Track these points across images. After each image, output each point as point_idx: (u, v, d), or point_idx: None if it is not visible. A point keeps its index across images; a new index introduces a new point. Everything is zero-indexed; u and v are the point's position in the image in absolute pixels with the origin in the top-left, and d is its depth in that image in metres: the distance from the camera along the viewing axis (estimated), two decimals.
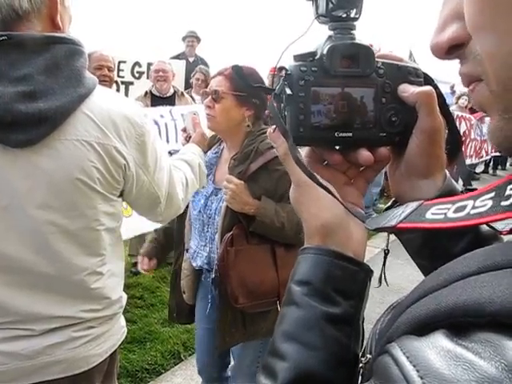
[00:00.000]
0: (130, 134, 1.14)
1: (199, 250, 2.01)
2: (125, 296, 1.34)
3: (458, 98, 8.29)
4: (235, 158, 1.89)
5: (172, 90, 4.49)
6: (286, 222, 1.80)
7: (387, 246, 0.65)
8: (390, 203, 0.67)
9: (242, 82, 0.62)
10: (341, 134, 0.59)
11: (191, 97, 4.93)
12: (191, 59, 6.67)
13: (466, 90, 0.44)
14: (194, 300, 2.17)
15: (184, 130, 2.06)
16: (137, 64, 5.68)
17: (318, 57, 0.59)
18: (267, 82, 2.37)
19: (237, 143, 1.93)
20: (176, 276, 2.19)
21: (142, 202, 1.29)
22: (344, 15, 0.59)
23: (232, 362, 2.21)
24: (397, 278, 3.98)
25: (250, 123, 1.90)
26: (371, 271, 0.58)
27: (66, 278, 1.14)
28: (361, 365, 0.53)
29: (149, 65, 5.60)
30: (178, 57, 6.56)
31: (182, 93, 4.64)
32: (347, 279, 0.55)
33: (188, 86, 5.73)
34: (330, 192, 0.57)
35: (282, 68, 0.59)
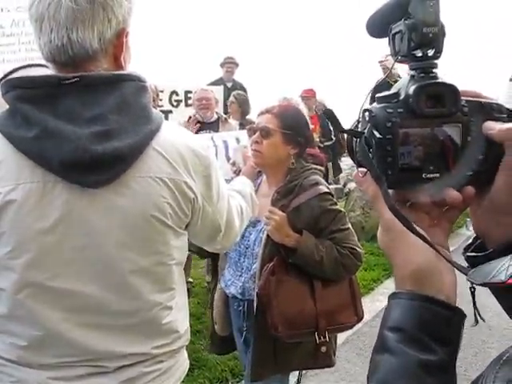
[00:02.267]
0: (197, 168, 1.14)
1: (234, 279, 2.07)
2: (189, 328, 1.34)
3: None
4: (279, 192, 1.96)
5: (216, 116, 4.55)
6: (324, 256, 1.86)
7: (472, 284, 0.61)
8: (471, 240, 0.65)
9: (334, 125, 0.62)
10: (428, 175, 0.59)
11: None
12: (229, 84, 6.76)
13: None
14: (224, 331, 2.23)
15: (233, 164, 2.09)
16: (174, 93, 5.81)
17: (402, 97, 0.59)
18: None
19: (278, 179, 2.01)
20: (213, 305, 2.28)
21: (205, 232, 1.29)
22: (423, 54, 0.59)
23: None
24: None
25: (294, 161, 1.98)
26: (465, 315, 0.57)
27: (140, 315, 1.14)
28: None
29: (186, 92, 5.72)
30: (215, 82, 6.66)
31: (226, 118, 4.69)
32: (442, 325, 0.55)
33: (227, 111, 5.81)
34: (427, 241, 0.56)
35: (366, 110, 0.60)
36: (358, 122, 0.62)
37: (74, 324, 1.09)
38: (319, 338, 1.89)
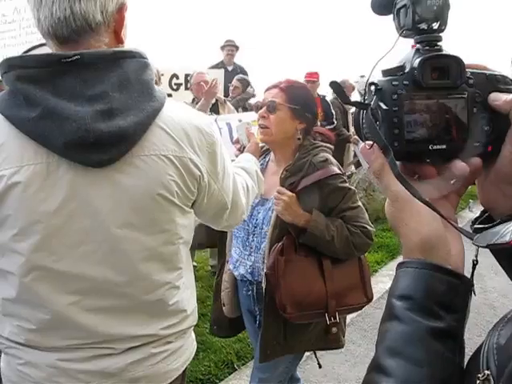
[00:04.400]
0: (202, 145, 1.13)
1: (242, 259, 2.04)
2: (196, 307, 1.33)
3: None
4: (287, 170, 1.92)
5: (215, 99, 4.50)
6: (335, 235, 1.84)
7: (476, 257, 0.63)
8: (478, 214, 0.66)
9: (340, 97, 0.62)
10: (435, 147, 0.59)
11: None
12: (230, 68, 6.71)
13: None
14: (233, 313, 2.22)
15: (237, 142, 2.06)
16: (174, 76, 5.79)
17: (407, 70, 0.59)
18: None
19: (287, 156, 1.98)
20: (218, 287, 2.25)
21: (211, 210, 1.27)
22: (428, 27, 0.59)
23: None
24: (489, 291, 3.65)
25: (301, 136, 1.95)
26: (472, 284, 0.57)
27: (147, 296, 1.13)
28: (478, 382, 0.50)
29: (186, 76, 5.69)
30: (216, 66, 6.61)
31: (225, 101, 4.66)
32: (449, 293, 0.55)
33: (227, 94, 5.77)
34: (434, 208, 0.56)
35: (372, 83, 0.60)
36: (365, 96, 0.62)
37: (82, 307, 1.08)
38: (329, 319, 1.87)
